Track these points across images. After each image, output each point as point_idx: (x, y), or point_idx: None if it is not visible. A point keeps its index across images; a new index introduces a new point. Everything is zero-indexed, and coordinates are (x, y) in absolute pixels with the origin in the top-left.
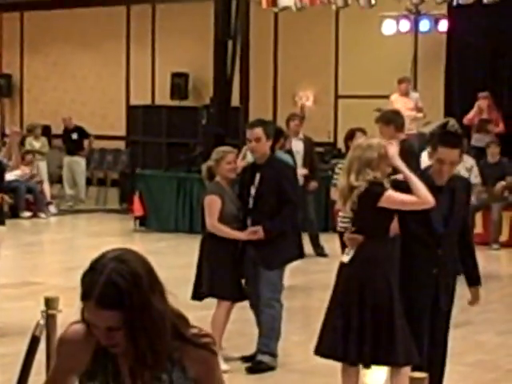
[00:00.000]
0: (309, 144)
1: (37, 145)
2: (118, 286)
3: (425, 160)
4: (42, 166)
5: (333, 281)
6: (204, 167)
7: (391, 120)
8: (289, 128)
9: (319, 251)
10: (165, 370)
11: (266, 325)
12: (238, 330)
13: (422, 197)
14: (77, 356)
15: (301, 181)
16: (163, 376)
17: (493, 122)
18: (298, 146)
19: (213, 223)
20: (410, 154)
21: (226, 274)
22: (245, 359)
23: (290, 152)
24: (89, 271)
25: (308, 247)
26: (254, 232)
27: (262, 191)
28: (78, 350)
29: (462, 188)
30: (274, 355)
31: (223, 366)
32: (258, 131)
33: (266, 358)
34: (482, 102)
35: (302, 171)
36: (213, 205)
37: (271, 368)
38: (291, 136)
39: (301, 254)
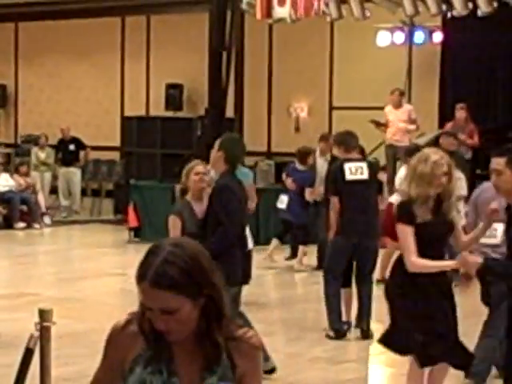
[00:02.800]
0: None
1: (42, 155)
2: (172, 265)
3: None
4: (47, 176)
5: None
6: (177, 188)
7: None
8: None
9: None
10: (219, 361)
11: None
12: None
13: (418, 265)
14: (128, 347)
15: (318, 198)
16: (216, 368)
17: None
18: (323, 166)
19: None
20: None
21: None
22: None
23: (312, 168)
24: (146, 255)
25: (312, 259)
26: None
27: (208, 210)
28: (129, 342)
29: None
30: None
31: None
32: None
33: None
34: (460, 113)
35: (320, 189)
36: (172, 225)
37: None
38: (319, 155)
39: (243, 279)
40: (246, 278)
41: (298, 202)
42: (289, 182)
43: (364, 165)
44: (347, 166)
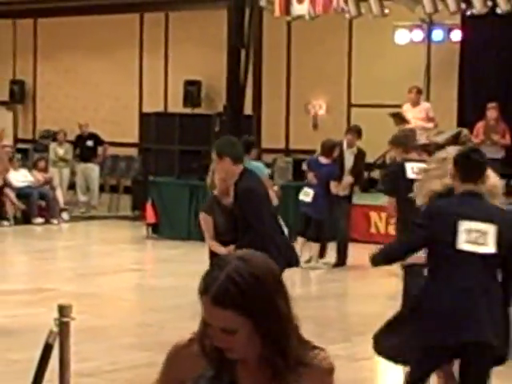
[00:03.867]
0: (360, 157)
1: (60, 151)
2: (235, 284)
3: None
4: (65, 172)
5: (346, 290)
6: (208, 179)
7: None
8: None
9: (340, 261)
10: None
11: None
12: None
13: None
14: (189, 368)
15: (347, 191)
16: None
17: (499, 134)
18: (349, 159)
19: (206, 239)
20: None
21: None
22: None
23: (335, 160)
24: (212, 267)
25: (331, 255)
26: (229, 251)
27: (236, 209)
28: (191, 362)
29: None
30: None
31: None
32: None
33: None
34: (491, 112)
35: (347, 179)
36: (203, 221)
37: None
38: (346, 147)
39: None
40: (293, 262)
41: (324, 196)
42: (311, 176)
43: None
44: (409, 166)
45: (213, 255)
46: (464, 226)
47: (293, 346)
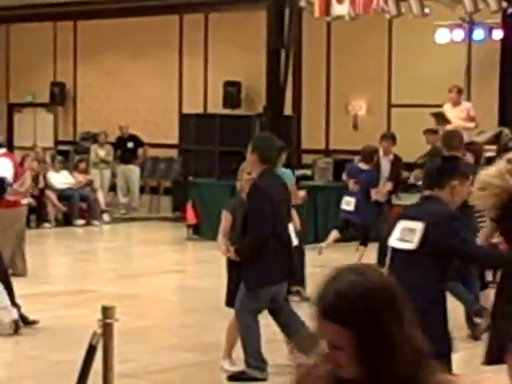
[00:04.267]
0: (397, 164)
1: (101, 153)
2: (346, 298)
3: None
4: (106, 174)
5: None
6: (238, 184)
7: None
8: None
9: (380, 263)
10: None
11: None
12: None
13: None
14: None
15: (385, 196)
16: None
17: None
18: (385, 166)
19: (219, 236)
20: None
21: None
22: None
23: (376, 166)
24: (327, 279)
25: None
26: (229, 251)
27: (246, 212)
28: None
29: None
30: (250, 366)
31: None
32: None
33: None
34: None
35: (387, 186)
36: (224, 217)
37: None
38: (382, 154)
39: (285, 277)
40: (288, 275)
41: (365, 202)
42: (352, 184)
43: None
44: None
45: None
46: (400, 224)
47: (399, 369)
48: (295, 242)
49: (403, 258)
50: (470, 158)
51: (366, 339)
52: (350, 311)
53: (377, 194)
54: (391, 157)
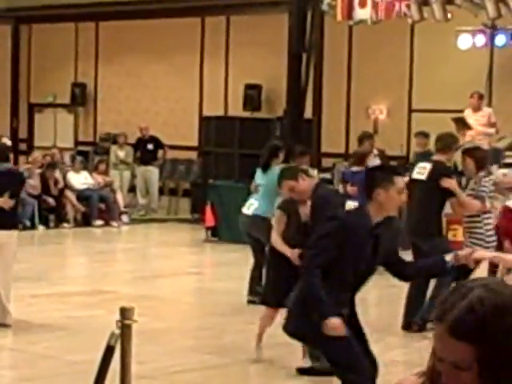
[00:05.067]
0: (384, 156)
1: (121, 154)
2: (475, 315)
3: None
4: (126, 175)
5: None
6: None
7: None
8: (363, 147)
9: None
10: None
11: None
12: None
13: None
14: None
15: None
16: None
17: None
18: (374, 162)
19: (273, 236)
20: None
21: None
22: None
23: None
24: (451, 292)
25: None
26: (293, 254)
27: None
28: None
29: None
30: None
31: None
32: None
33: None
34: None
35: None
36: (277, 220)
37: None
38: (368, 155)
39: None
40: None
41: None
42: (350, 189)
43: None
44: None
45: (273, 254)
46: None
47: None
48: None
49: None
50: (470, 163)
51: (494, 358)
52: (478, 328)
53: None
54: (375, 152)
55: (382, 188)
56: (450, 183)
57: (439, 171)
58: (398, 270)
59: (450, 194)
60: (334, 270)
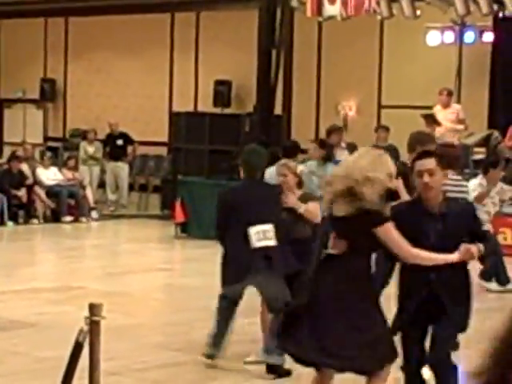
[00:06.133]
0: (354, 149)
1: (90, 150)
2: None
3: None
4: (95, 171)
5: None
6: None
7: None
8: (331, 140)
9: None
10: None
11: None
12: None
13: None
14: None
15: None
16: None
17: None
18: (342, 155)
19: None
20: None
21: None
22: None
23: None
24: None
25: None
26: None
27: None
28: None
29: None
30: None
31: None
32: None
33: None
34: None
35: None
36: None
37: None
38: (336, 147)
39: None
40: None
41: None
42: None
43: None
44: None
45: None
46: None
47: None
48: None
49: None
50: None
51: None
52: None
53: None
54: (343, 145)
55: None
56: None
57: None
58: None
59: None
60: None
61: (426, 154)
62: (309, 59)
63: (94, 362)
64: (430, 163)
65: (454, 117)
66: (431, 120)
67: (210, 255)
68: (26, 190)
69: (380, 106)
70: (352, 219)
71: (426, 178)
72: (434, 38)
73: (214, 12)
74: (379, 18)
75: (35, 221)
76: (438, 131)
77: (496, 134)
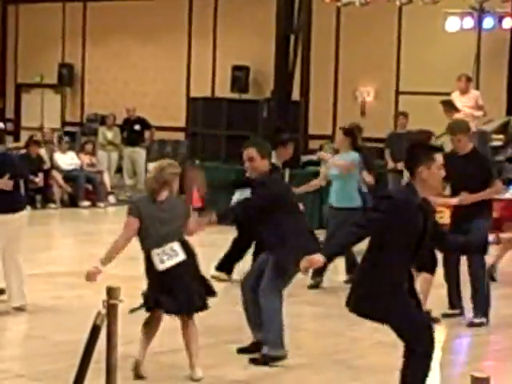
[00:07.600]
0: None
1: (109, 135)
2: None
3: None
4: (114, 156)
5: None
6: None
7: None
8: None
9: None
10: None
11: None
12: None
13: None
14: None
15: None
16: None
17: None
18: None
19: None
20: None
21: None
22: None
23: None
24: None
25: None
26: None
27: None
28: None
29: None
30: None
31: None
32: (251, 151)
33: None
34: None
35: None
36: None
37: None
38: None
39: None
40: None
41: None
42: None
43: None
44: None
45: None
46: None
47: None
48: None
49: None
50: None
51: None
52: None
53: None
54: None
55: (424, 165)
56: None
57: None
58: (439, 241)
59: None
60: (391, 247)
61: None
62: (327, 45)
63: (111, 344)
64: None
65: (472, 103)
66: (449, 106)
67: (224, 240)
68: (43, 174)
69: (398, 92)
70: None
71: None
72: (452, 24)
73: None
74: (398, 3)
75: (52, 205)
76: (457, 117)
77: None
